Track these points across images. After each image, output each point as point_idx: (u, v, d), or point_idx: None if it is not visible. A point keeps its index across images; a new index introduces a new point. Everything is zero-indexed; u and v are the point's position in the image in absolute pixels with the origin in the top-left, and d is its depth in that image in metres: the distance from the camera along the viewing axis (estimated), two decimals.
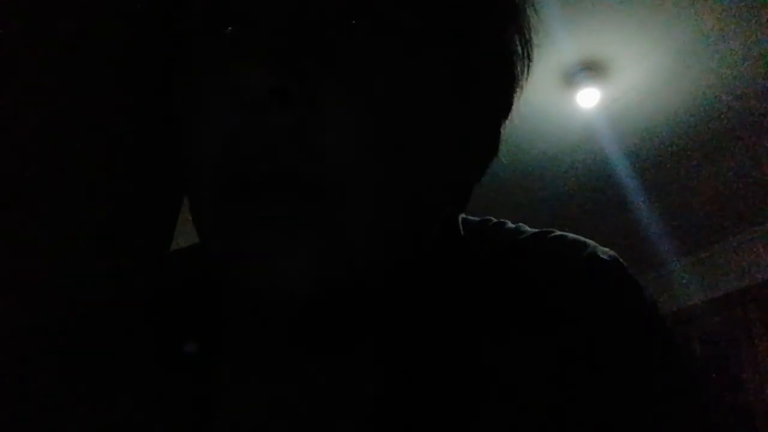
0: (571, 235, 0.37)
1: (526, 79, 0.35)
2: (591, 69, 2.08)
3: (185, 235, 0.41)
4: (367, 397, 0.32)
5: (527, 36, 0.34)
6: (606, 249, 0.36)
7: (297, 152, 0.26)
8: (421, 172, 0.30)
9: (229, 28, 0.28)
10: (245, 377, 0.34)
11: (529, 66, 0.34)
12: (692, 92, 2.20)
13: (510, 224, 0.39)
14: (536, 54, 0.35)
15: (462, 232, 0.37)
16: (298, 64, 0.26)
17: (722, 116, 2.33)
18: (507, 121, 0.36)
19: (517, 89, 0.35)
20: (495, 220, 0.40)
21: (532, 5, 0.34)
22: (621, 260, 0.35)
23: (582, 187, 2.76)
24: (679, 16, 1.86)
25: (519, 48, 0.34)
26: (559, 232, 0.37)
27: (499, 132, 0.35)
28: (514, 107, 0.35)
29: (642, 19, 1.88)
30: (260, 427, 0.33)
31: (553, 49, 1.95)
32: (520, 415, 0.31)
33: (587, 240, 0.36)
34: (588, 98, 2.17)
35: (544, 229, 0.38)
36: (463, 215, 0.39)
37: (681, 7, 1.82)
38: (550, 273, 0.34)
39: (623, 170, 2.62)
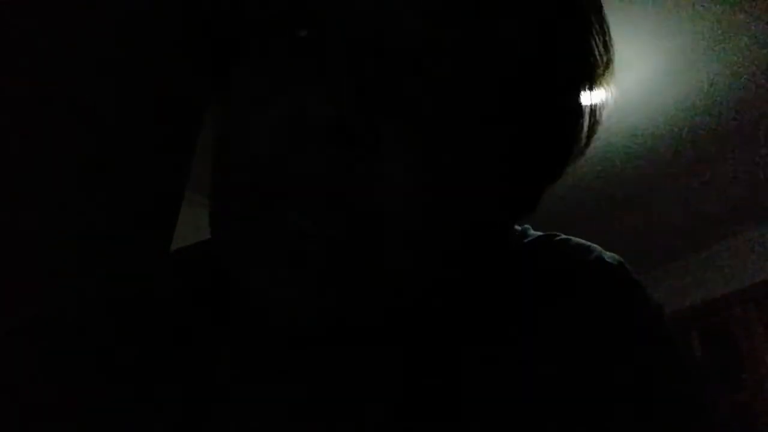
0: (576, 240, 0.37)
1: (585, 152, 0.34)
2: None
3: (186, 235, 0.41)
4: (372, 402, 0.32)
5: (598, 112, 0.34)
6: (611, 254, 0.35)
7: (349, 185, 0.26)
8: (465, 218, 0.30)
9: (303, 32, 0.28)
10: (246, 377, 0.34)
11: (589, 140, 0.34)
12: (692, 92, 2.20)
13: (516, 227, 0.39)
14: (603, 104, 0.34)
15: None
16: (367, 103, 0.26)
17: (722, 116, 2.33)
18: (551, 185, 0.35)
19: (572, 160, 0.34)
20: None
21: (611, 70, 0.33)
22: (627, 265, 0.35)
23: (582, 186, 2.76)
24: (680, 16, 1.86)
25: (586, 121, 0.33)
26: (563, 236, 0.37)
27: (541, 194, 0.35)
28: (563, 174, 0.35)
29: (642, 19, 1.87)
30: (260, 427, 0.33)
31: None
32: (524, 417, 0.31)
33: (592, 244, 0.36)
34: (588, 98, 2.17)
35: (549, 233, 0.38)
36: None
37: (681, 7, 1.82)
38: (555, 277, 0.34)
39: (623, 170, 2.62)
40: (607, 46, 0.33)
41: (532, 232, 0.38)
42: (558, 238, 0.37)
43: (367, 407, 0.32)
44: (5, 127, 0.27)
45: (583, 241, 0.36)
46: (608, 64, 0.33)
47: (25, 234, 0.28)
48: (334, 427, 0.32)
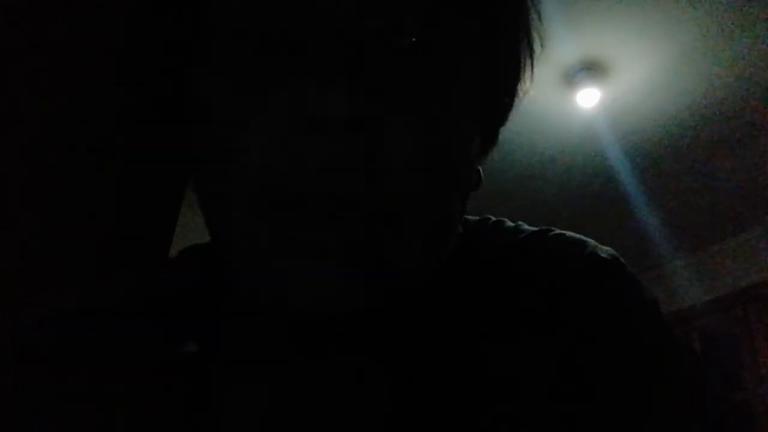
0: (571, 234, 0.37)
1: (530, 74, 0.35)
2: (591, 69, 2.08)
3: (186, 236, 0.41)
4: (369, 400, 0.32)
5: (531, 34, 0.34)
6: (606, 247, 0.35)
7: (362, 176, 0.26)
8: (459, 191, 0.31)
9: (289, 37, 0.27)
10: (246, 379, 0.34)
11: (532, 63, 0.35)
12: (692, 92, 2.20)
13: (509, 223, 0.39)
14: (536, 53, 0.35)
15: (461, 232, 0.37)
16: (369, 87, 0.26)
17: (722, 116, 2.33)
18: (508, 121, 0.36)
19: (521, 89, 0.35)
20: (494, 218, 0.40)
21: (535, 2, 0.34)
22: (621, 259, 0.35)
23: (582, 187, 2.76)
24: (679, 16, 1.86)
25: (526, 47, 0.34)
26: (558, 231, 0.37)
27: (498, 131, 0.36)
28: (515, 105, 0.36)
29: (642, 19, 1.88)
30: (261, 429, 0.33)
31: (553, 49, 1.95)
32: (523, 415, 0.31)
33: (587, 239, 0.36)
34: (588, 98, 2.17)
35: (543, 228, 0.38)
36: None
37: (681, 7, 1.82)
38: (551, 272, 0.34)
39: (623, 170, 2.62)
40: None
41: (526, 227, 0.38)
42: (552, 233, 0.37)
43: (362, 414, 0.32)
44: (5, 129, 0.27)
45: (577, 236, 0.37)
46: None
47: (25, 237, 0.28)
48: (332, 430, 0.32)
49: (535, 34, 0.34)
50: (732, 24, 1.90)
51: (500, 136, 0.37)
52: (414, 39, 0.28)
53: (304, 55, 0.27)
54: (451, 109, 0.29)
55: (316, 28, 0.27)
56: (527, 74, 0.35)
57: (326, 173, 0.26)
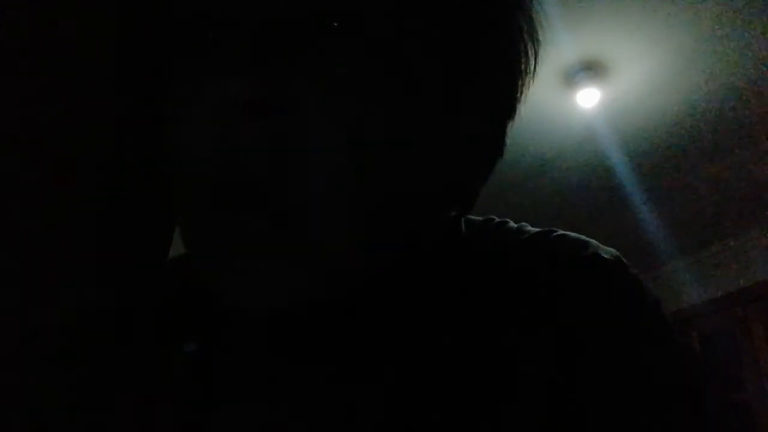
0: (573, 235, 0.37)
1: (533, 77, 0.34)
2: (591, 69, 2.08)
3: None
4: (365, 400, 0.32)
5: (534, 33, 0.33)
6: (608, 248, 0.35)
7: (274, 161, 0.26)
8: (407, 179, 0.29)
9: (209, 34, 0.28)
10: (244, 379, 0.34)
11: (535, 64, 0.34)
12: (692, 92, 2.20)
13: (512, 224, 0.39)
14: (539, 54, 0.34)
15: (464, 232, 0.37)
16: (276, 71, 0.26)
17: (722, 116, 2.33)
18: (512, 122, 0.35)
19: (523, 89, 0.34)
20: (497, 219, 0.40)
21: (538, 1, 0.33)
22: (623, 259, 0.35)
23: (582, 187, 2.76)
24: (679, 16, 1.86)
25: (525, 46, 0.33)
26: (561, 232, 0.37)
27: (505, 133, 0.35)
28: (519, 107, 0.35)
29: (642, 19, 1.88)
30: (259, 428, 0.33)
31: (553, 49, 1.95)
32: (523, 416, 0.31)
33: (589, 239, 0.36)
34: (588, 98, 2.17)
35: (546, 229, 0.38)
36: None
37: (680, 7, 1.82)
38: (553, 273, 0.34)
39: (623, 170, 2.62)
40: None
41: (529, 228, 0.38)
42: (555, 233, 0.37)
43: (357, 413, 0.32)
44: (5, 130, 0.28)
45: (580, 236, 0.36)
46: None
47: (23, 238, 0.28)
48: None
49: (538, 31, 0.33)
50: (732, 24, 1.90)
51: (505, 137, 0.36)
52: (339, 23, 0.27)
53: (220, 44, 0.27)
54: (388, 99, 0.28)
55: (232, 15, 0.26)
56: (530, 74, 0.34)
57: (238, 160, 0.26)
